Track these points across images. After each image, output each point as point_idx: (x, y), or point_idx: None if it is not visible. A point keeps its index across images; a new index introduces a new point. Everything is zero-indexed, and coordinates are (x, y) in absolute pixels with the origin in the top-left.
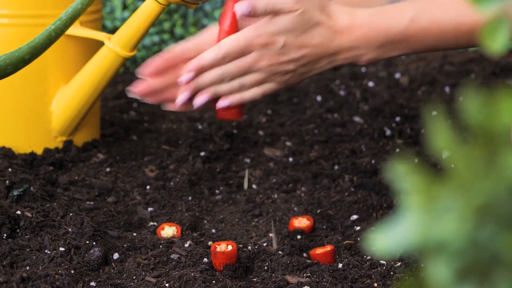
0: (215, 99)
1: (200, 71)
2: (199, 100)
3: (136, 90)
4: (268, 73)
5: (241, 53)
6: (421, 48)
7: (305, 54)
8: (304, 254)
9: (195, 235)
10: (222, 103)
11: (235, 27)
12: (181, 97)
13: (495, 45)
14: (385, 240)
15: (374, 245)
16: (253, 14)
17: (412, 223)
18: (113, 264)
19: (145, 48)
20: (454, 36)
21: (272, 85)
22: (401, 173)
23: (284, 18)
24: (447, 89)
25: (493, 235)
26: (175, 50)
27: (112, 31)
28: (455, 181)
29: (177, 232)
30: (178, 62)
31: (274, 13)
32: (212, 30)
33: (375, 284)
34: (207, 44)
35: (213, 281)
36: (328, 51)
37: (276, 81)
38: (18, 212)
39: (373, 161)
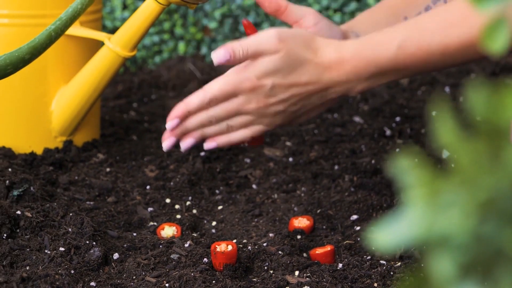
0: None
1: (185, 117)
2: (186, 144)
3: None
4: (256, 115)
5: (228, 97)
6: (410, 73)
7: (294, 93)
8: (304, 254)
9: (195, 235)
10: (209, 145)
11: None
12: (167, 143)
13: (495, 45)
14: (388, 234)
15: (376, 240)
16: (232, 61)
17: (415, 217)
18: (113, 264)
19: (145, 48)
20: (442, 57)
21: (260, 127)
22: (405, 168)
23: (269, 60)
24: (447, 89)
25: (496, 230)
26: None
27: (112, 31)
28: (458, 176)
29: (177, 232)
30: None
31: (256, 56)
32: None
33: (375, 284)
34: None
35: (213, 281)
36: (318, 88)
37: (265, 122)
38: (18, 212)
39: (373, 161)
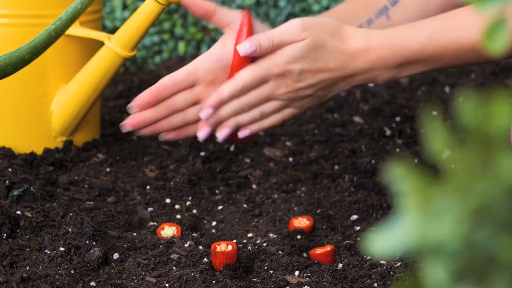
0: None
1: (219, 106)
2: (222, 134)
3: (128, 124)
4: (286, 99)
5: (259, 83)
6: (438, 66)
7: (322, 79)
8: (304, 254)
9: (195, 235)
10: (243, 133)
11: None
12: (202, 132)
13: (496, 45)
14: (383, 241)
15: (372, 246)
16: (258, 53)
17: (409, 224)
18: (113, 264)
19: (145, 48)
20: (472, 54)
21: (291, 110)
22: (399, 175)
23: (295, 47)
24: (447, 89)
25: (489, 237)
26: (165, 81)
27: (112, 31)
28: (451, 183)
29: (177, 232)
30: (169, 93)
31: (282, 46)
32: (202, 58)
33: (375, 284)
34: (198, 74)
35: (213, 281)
36: (345, 74)
37: (295, 106)
38: (18, 212)
39: (373, 161)
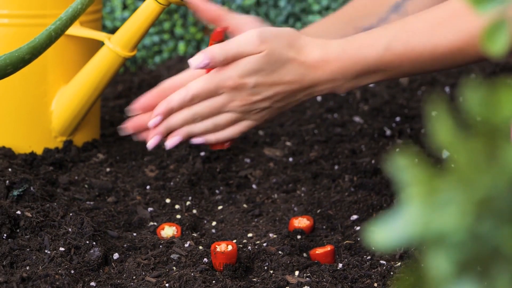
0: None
1: (168, 114)
2: (171, 142)
3: (128, 127)
4: (242, 112)
5: (211, 95)
6: (398, 74)
7: (278, 91)
8: (304, 254)
9: (195, 235)
10: (196, 140)
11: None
12: (152, 140)
13: (496, 47)
14: (385, 232)
15: (374, 238)
16: (211, 66)
17: (412, 215)
18: (113, 264)
19: (145, 48)
20: (430, 60)
21: (248, 123)
22: (403, 166)
23: (250, 60)
24: (447, 89)
25: (493, 228)
26: (163, 84)
27: (112, 31)
28: (456, 175)
29: (177, 232)
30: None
31: (237, 58)
32: None
33: (375, 284)
34: (195, 78)
35: (213, 281)
36: (303, 86)
37: (253, 118)
38: (18, 212)
39: (373, 161)
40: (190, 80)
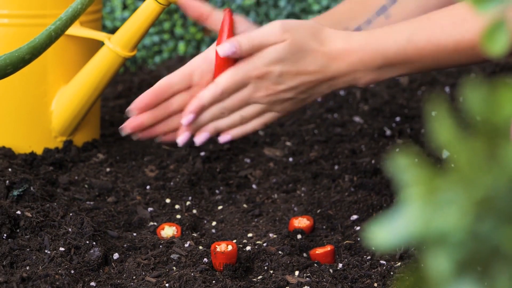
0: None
1: (200, 111)
2: (201, 139)
3: (127, 126)
4: (267, 103)
5: (239, 87)
6: (421, 68)
7: (302, 81)
8: (304, 254)
9: (195, 235)
10: (224, 138)
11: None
12: (182, 137)
13: (495, 47)
14: (386, 232)
15: (374, 238)
16: (239, 54)
17: (413, 214)
18: (113, 264)
19: (145, 48)
20: (454, 54)
21: (272, 114)
22: (403, 166)
23: (275, 49)
24: (447, 89)
25: (493, 228)
26: (161, 83)
27: (112, 31)
28: (456, 174)
29: (177, 232)
30: (166, 95)
31: (262, 47)
32: (197, 60)
33: (375, 284)
34: (194, 75)
35: (213, 281)
36: (325, 77)
37: (276, 109)
38: (18, 212)
39: (373, 161)
40: (185, 79)
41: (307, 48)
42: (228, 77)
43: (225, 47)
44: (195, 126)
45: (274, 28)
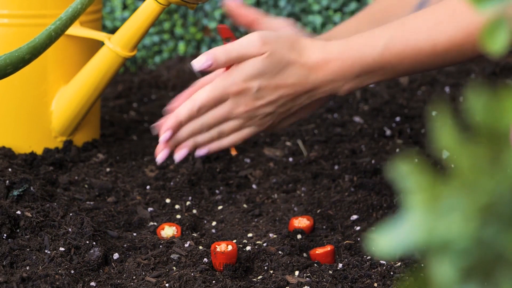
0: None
1: (178, 128)
2: (180, 155)
3: (159, 125)
4: (246, 118)
5: (216, 103)
6: (399, 73)
7: (281, 95)
8: (304, 254)
9: (195, 235)
10: (200, 152)
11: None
12: (161, 155)
13: (495, 46)
14: (388, 240)
15: (375, 245)
16: (214, 67)
17: (416, 222)
18: (113, 264)
19: (145, 48)
20: (430, 57)
21: (251, 129)
22: (405, 172)
23: (253, 62)
24: (447, 89)
25: (497, 234)
26: (197, 84)
27: (112, 31)
28: (459, 180)
29: (177, 232)
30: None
31: (240, 60)
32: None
33: (375, 284)
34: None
35: (213, 281)
36: (305, 88)
37: (256, 124)
38: (18, 212)
39: (373, 161)
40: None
41: (286, 60)
42: (206, 93)
43: (201, 60)
44: (174, 142)
45: (253, 41)
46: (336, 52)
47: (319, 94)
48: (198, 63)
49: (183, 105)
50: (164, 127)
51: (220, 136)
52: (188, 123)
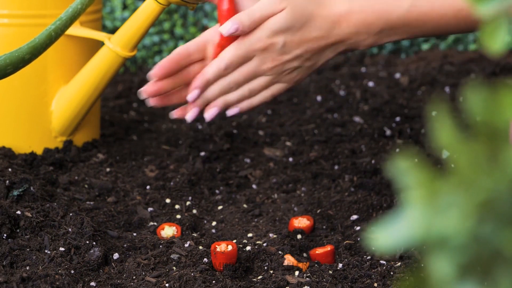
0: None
1: (205, 86)
2: (210, 114)
3: (146, 91)
4: (274, 74)
5: (243, 60)
6: (420, 33)
7: (307, 49)
8: (304, 254)
9: (195, 235)
10: (232, 111)
11: (233, 9)
12: (191, 114)
13: (496, 45)
14: (387, 235)
15: (375, 241)
16: (241, 31)
17: (414, 218)
18: (113, 264)
19: (145, 48)
20: (454, 21)
21: (281, 85)
22: (403, 169)
23: (275, 19)
24: (447, 89)
25: (495, 231)
26: (179, 50)
27: (112, 31)
28: (457, 177)
29: (177, 232)
30: (184, 63)
31: (263, 20)
32: (210, 32)
33: (375, 284)
34: (208, 45)
35: (213, 281)
36: (329, 42)
37: (284, 80)
38: (18, 212)
39: (373, 161)
40: (200, 48)
41: (308, 14)
42: (232, 51)
43: (227, 26)
44: (204, 101)
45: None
46: (361, 5)
47: (343, 46)
48: (225, 29)
49: (210, 64)
50: (192, 85)
51: (250, 94)
52: (216, 82)
